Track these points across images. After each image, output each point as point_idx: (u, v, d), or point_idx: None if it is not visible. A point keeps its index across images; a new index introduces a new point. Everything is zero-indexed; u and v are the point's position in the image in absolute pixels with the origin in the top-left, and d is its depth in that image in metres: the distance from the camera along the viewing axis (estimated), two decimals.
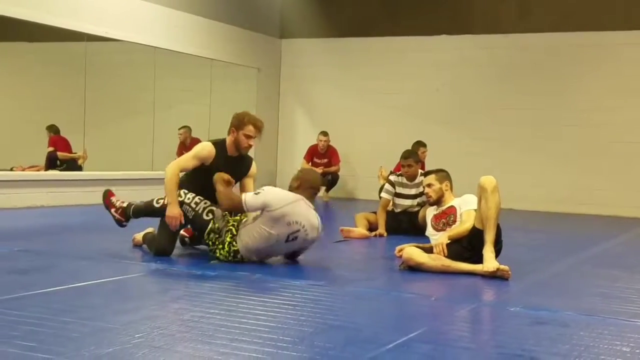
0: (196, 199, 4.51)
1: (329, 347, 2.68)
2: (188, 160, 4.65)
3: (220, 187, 4.39)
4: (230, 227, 4.41)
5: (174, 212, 4.43)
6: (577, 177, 9.93)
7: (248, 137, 4.65)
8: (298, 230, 4.34)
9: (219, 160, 4.64)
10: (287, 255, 4.60)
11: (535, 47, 10.17)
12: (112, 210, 4.79)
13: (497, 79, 10.37)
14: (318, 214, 4.50)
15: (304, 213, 4.35)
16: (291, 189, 4.49)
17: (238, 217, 4.46)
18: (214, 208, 4.48)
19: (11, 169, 8.65)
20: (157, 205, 4.57)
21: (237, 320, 3.02)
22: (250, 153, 4.97)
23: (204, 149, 4.66)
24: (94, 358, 2.42)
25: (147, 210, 4.65)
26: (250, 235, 4.35)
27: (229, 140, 4.71)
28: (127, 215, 4.74)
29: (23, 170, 8.86)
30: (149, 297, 3.57)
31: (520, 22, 10.22)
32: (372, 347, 2.70)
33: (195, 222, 4.52)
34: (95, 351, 2.49)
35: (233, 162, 4.72)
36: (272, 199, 4.30)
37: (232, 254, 4.39)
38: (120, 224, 4.79)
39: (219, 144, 4.70)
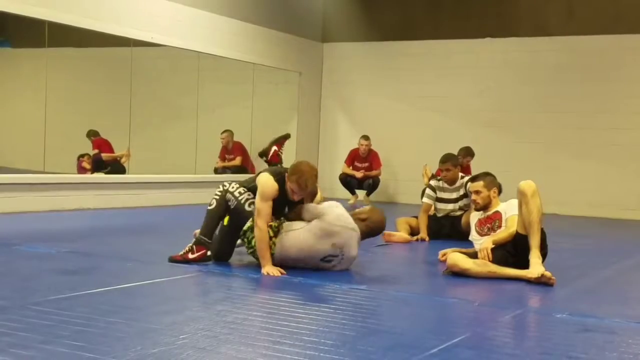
0: (240, 189, 4.50)
1: (371, 351, 2.67)
2: (263, 207, 4.30)
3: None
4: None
5: (272, 271, 4.23)
6: (623, 182, 9.70)
7: (293, 192, 4.41)
8: (336, 256, 4.33)
9: (281, 195, 4.41)
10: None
11: (582, 49, 9.97)
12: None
13: (542, 82, 10.19)
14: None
15: (351, 243, 4.34)
16: (359, 213, 4.51)
17: (276, 223, 4.37)
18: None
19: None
20: (210, 208, 4.48)
21: (279, 322, 3.03)
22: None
23: (270, 191, 4.33)
24: (139, 358, 2.46)
25: (210, 222, 4.49)
26: (293, 241, 4.30)
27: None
28: (204, 244, 4.46)
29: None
30: (192, 299, 3.61)
31: (567, 24, 10.03)
32: (414, 352, 2.69)
33: (236, 213, 4.45)
34: (141, 351, 2.53)
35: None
36: (333, 214, 4.29)
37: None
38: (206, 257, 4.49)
39: (280, 181, 4.42)
